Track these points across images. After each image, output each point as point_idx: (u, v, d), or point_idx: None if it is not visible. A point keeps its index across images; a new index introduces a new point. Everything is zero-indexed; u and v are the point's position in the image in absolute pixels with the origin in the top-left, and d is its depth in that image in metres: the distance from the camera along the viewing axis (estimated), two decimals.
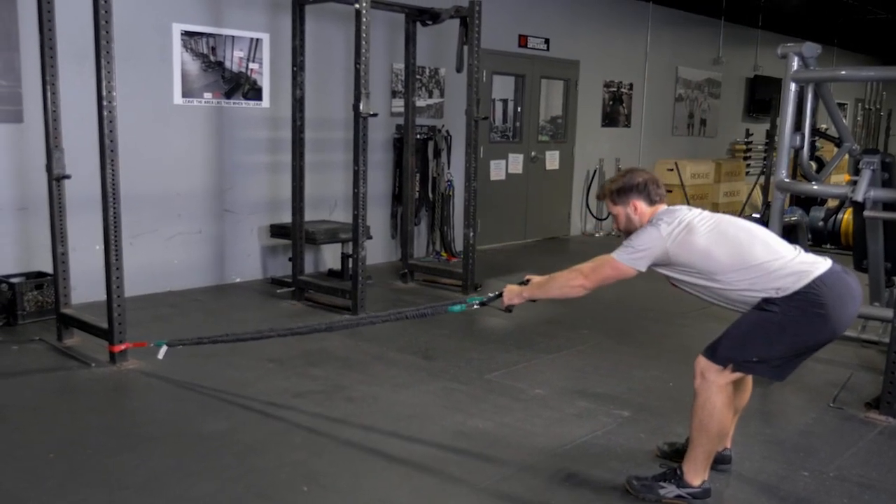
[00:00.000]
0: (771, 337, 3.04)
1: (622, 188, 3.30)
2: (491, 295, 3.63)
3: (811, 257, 3.11)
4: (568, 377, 4.75)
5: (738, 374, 3.14)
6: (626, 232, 3.32)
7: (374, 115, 5.83)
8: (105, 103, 4.47)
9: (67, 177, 4.92)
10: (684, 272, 3.16)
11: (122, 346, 4.66)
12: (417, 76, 7.74)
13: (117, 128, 4.54)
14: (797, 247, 3.17)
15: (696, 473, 3.17)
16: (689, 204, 10.54)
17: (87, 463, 3.44)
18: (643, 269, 3.19)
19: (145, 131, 6.21)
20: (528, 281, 3.52)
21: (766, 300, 3.04)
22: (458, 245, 8.14)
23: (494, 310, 3.68)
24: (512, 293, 3.48)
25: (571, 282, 3.30)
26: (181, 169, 6.53)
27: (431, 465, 3.51)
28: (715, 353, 3.11)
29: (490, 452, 3.63)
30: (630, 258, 3.17)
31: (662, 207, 3.29)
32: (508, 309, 3.54)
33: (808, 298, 2.97)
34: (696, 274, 3.13)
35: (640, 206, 3.27)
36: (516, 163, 9.59)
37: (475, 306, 3.67)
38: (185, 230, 6.61)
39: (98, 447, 3.59)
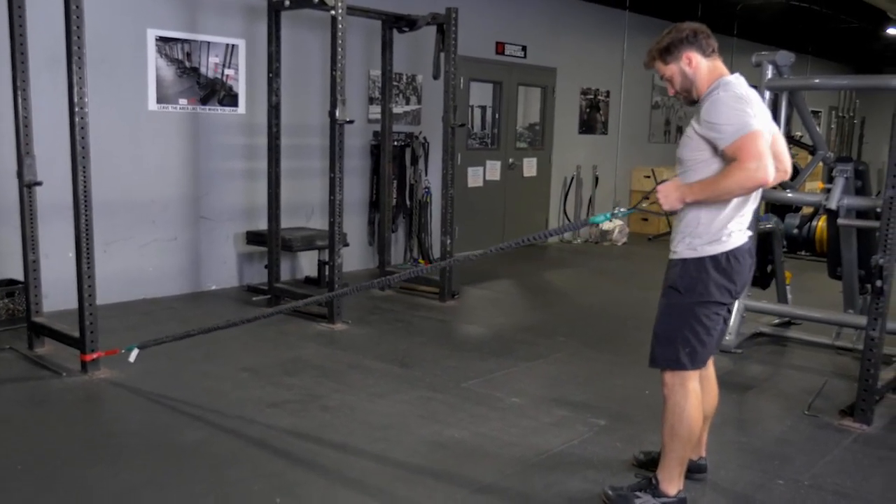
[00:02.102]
0: (686, 317, 3.06)
1: (671, 43, 3.05)
2: (644, 197, 3.21)
3: (744, 225, 3.07)
4: (545, 385, 4.75)
5: (692, 371, 3.11)
6: (685, 91, 3.08)
7: (351, 121, 5.81)
8: (77, 109, 4.41)
9: (39, 183, 4.85)
10: (697, 164, 2.97)
11: (94, 356, 4.60)
12: (394, 83, 7.73)
13: (89, 134, 4.48)
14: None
15: (671, 482, 3.17)
16: (667, 215, 10.68)
17: (57, 475, 3.38)
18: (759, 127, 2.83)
19: (120, 137, 6.15)
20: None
21: (671, 286, 3.08)
22: (436, 252, 8.13)
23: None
24: (671, 196, 2.97)
25: (754, 173, 2.75)
26: (156, 175, 6.47)
27: (407, 477, 3.48)
28: (655, 360, 3.15)
29: (466, 463, 3.61)
30: (749, 121, 2.81)
31: (724, 70, 3.04)
32: (669, 214, 3.09)
33: (718, 266, 3.00)
34: (716, 162, 2.93)
35: (695, 58, 3.02)
36: (494, 170, 9.60)
37: (620, 212, 3.35)
38: (160, 237, 6.54)
39: (69, 459, 3.54)
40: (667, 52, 3.08)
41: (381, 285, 3.75)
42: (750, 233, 3.13)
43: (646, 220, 11.19)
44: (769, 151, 2.83)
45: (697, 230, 3.02)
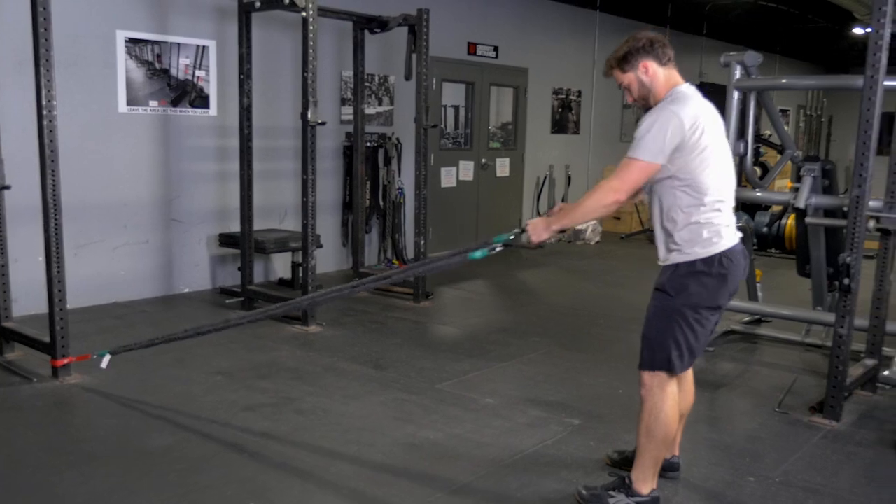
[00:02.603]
0: (678, 321, 3.07)
1: (628, 52, 3.10)
2: (516, 231, 3.31)
3: (731, 225, 3.09)
4: (519, 386, 4.76)
5: (672, 374, 3.15)
6: (641, 99, 3.13)
7: (323, 123, 5.79)
8: (45, 112, 4.36)
9: (7, 187, 4.79)
10: (671, 177, 3.00)
11: (65, 361, 4.55)
12: (367, 84, 7.72)
13: (58, 137, 4.43)
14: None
15: (644, 481, 3.19)
16: (637, 208, 10.77)
17: (28, 482, 3.34)
18: (665, 161, 2.94)
19: (90, 140, 6.09)
20: (523, 230, 3.27)
21: (661, 290, 3.09)
22: (410, 252, 8.12)
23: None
24: (538, 228, 3.16)
25: (605, 199, 3.01)
26: (127, 178, 6.41)
27: (382, 479, 3.48)
28: (645, 362, 3.16)
29: (441, 464, 3.62)
30: (652, 153, 2.93)
31: (678, 80, 3.11)
32: (539, 246, 3.27)
33: (711, 269, 3.01)
34: (684, 188, 2.99)
35: (652, 67, 3.08)
36: (467, 170, 9.61)
37: (497, 249, 3.36)
38: (131, 240, 6.48)
39: (40, 465, 3.50)
40: (624, 60, 3.13)
41: (361, 287, 3.74)
42: (740, 234, 3.15)
43: (618, 218, 11.25)
44: (638, 184, 3.00)
45: (685, 236, 3.03)
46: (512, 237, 3.31)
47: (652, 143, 2.94)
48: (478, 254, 3.39)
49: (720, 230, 3.04)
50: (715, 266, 3.02)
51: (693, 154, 2.96)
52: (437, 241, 8.67)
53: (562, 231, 3.17)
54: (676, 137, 2.93)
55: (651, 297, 3.17)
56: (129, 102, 6.34)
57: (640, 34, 3.15)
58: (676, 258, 3.07)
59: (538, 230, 3.16)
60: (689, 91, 3.08)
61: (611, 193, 3.00)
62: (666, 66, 3.11)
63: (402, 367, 5.03)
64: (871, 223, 4.46)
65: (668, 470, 3.43)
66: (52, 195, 4.44)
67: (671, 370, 3.12)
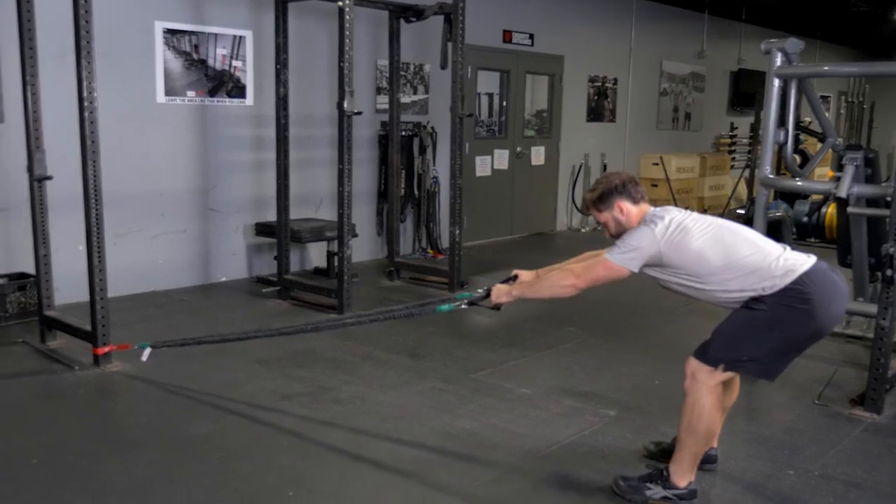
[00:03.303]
0: (760, 335, 3.05)
1: (603, 194, 3.28)
2: (480, 292, 3.58)
3: (797, 254, 3.12)
4: (554, 376, 4.76)
5: (728, 375, 3.15)
6: (618, 236, 3.29)
7: (359, 113, 5.80)
8: (86, 104, 4.42)
9: (49, 178, 4.88)
10: (674, 273, 3.16)
11: (106, 349, 4.63)
12: (402, 73, 7.72)
13: (98, 128, 4.50)
14: (784, 245, 3.19)
15: (682, 475, 3.18)
16: (674, 198, 10.67)
17: (71, 469, 3.41)
18: (636, 269, 3.15)
19: (128, 130, 6.17)
20: (515, 276, 3.53)
21: (754, 299, 3.06)
22: (445, 242, 8.13)
23: (481, 308, 3.66)
24: (500, 292, 3.45)
25: (562, 282, 3.27)
26: (165, 168, 6.49)
27: (419, 468, 3.50)
28: (706, 354, 3.12)
29: (477, 454, 3.63)
30: (623, 258, 3.14)
31: (650, 208, 3.29)
32: (497, 307, 3.50)
33: (795, 294, 2.99)
34: (686, 276, 3.14)
35: (626, 207, 3.26)
36: (502, 158, 9.58)
37: (463, 306, 3.62)
38: (169, 229, 6.57)
39: (83, 452, 3.57)
40: (600, 201, 3.30)
41: (370, 320, 3.99)
42: (814, 258, 3.11)
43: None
44: (600, 281, 3.19)
45: (753, 289, 3.04)
46: (479, 294, 3.58)
47: (625, 250, 3.13)
48: (445, 307, 3.67)
49: (774, 262, 3.04)
50: (797, 290, 2.99)
51: (683, 251, 3.08)
52: (470, 230, 8.66)
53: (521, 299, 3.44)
54: (651, 247, 3.10)
55: (736, 311, 3.15)
56: (168, 93, 6.40)
57: (612, 176, 3.34)
58: (754, 296, 3.06)
59: (500, 294, 3.44)
60: (661, 210, 3.26)
61: (571, 278, 3.23)
62: (639, 204, 3.28)
63: (438, 356, 5.05)
64: None
65: (705, 462, 3.41)
66: (93, 185, 4.51)
67: (728, 370, 3.11)
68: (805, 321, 3.02)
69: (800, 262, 3.06)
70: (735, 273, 3.06)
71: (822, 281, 3.03)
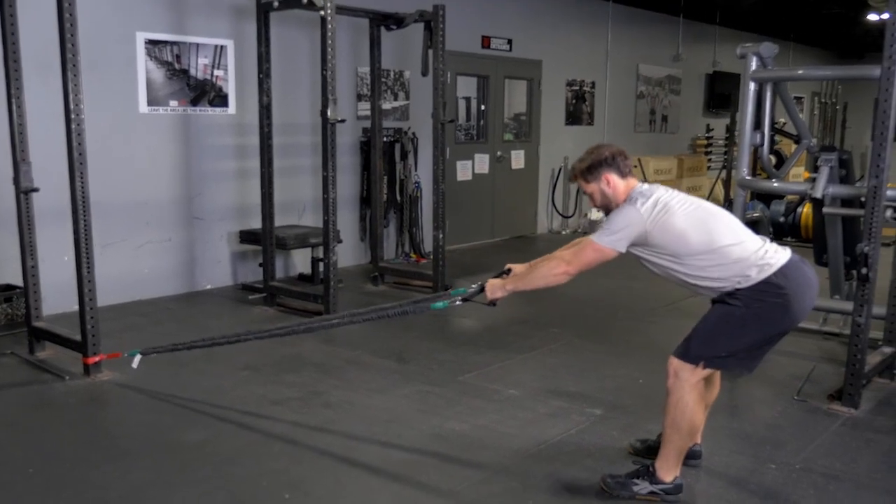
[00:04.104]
0: (736, 330, 3.15)
1: (591, 165, 3.32)
2: (473, 288, 3.56)
3: (773, 248, 3.20)
4: (540, 377, 4.84)
5: (709, 371, 3.24)
6: (604, 208, 3.36)
7: (343, 121, 5.86)
8: (73, 116, 4.46)
9: (35, 189, 4.90)
10: (656, 254, 3.21)
11: (97, 358, 4.66)
12: (382, 79, 7.78)
13: (85, 139, 4.53)
14: (763, 238, 3.27)
15: (668, 470, 3.27)
16: None
17: (66, 477, 3.45)
18: (623, 250, 3.20)
19: (112, 140, 6.19)
20: (509, 270, 3.55)
21: (729, 294, 3.15)
22: (427, 246, 8.21)
23: (465, 310, 3.71)
24: (494, 287, 3.46)
25: (554, 270, 3.29)
26: (149, 177, 6.52)
27: (410, 470, 3.57)
28: (686, 352, 3.21)
29: (467, 455, 3.70)
30: (610, 240, 3.18)
31: (636, 183, 3.32)
32: (492, 303, 3.51)
33: (769, 289, 3.08)
34: (668, 257, 3.19)
35: (613, 179, 3.29)
36: (482, 163, 9.68)
37: (458, 302, 3.62)
38: (154, 238, 6.59)
39: (77, 461, 3.60)
40: (588, 172, 3.34)
41: (373, 318, 3.97)
42: (788, 251, 3.21)
43: None
44: (590, 265, 3.25)
45: (730, 280, 3.13)
46: (473, 290, 3.55)
47: (612, 232, 3.19)
48: (440, 304, 3.67)
49: (752, 256, 3.12)
50: (773, 284, 3.08)
51: (667, 231, 3.14)
52: (452, 234, 8.73)
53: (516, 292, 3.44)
54: (637, 227, 3.15)
55: (710, 310, 3.25)
56: (150, 103, 6.43)
57: (602, 148, 3.36)
58: (728, 289, 3.15)
59: (494, 289, 3.44)
60: (649, 186, 3.31)
61: (562, 265, 3.27)
62: (626, 178, 3.32)
63: (424, 360, 5.11)
64: (888, 212, 4.50)
65: (690, 458, 3.50)
66: (80, 196, 4.54)
67: (708, 367, 3.19)
68: (779, 315, 3.12)
69: (776, 257, 3.15)
70: (716, 261, 3.13)
71: (796, 275, 3.13)
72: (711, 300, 3.28)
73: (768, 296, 3.08)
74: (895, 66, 4.03)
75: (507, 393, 4.52)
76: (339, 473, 3.53)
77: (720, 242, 3.15)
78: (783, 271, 3.10)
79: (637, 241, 3.20)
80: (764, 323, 3.13)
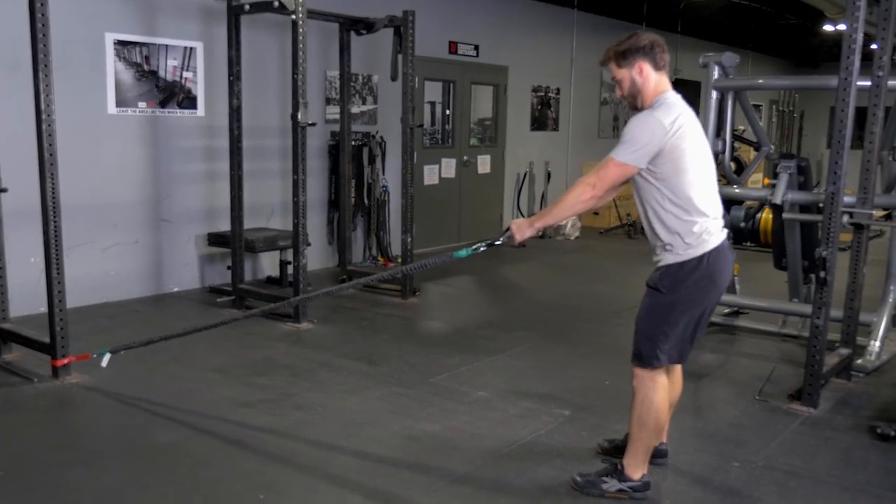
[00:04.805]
0: (668, 316, 3.22)
1: (628, 49, 3.20)
2: (497, 237, 3.44)
3: (717, 225, 3.23)
4: (509, 379, 4.91)
5: (664, 366, 3.30)
6: (630, 97, 3.26)
7: (313, 124, 5.89)
8: (44, 116, 4.44)
9: (4, 190, 4.86)
10: (651, 172, 3.13)
11: (66, 360, 4.63)
12: (351, 83, 7.82)
13: (56, 141, 4.51)
14: (716, 214, 3.25)
15: (635, 467, 3.36)
16: (616, 204, 10.94)
17: (39, 479, 3.44)
18: (644, 165, 3.10)
19: (79, 141, 6.14)
20: (508, 229, 3.38)
21: (654, 287, 3.23)
22: (395, 250, 8.25)
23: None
24: (522, 227, 3.32)
25: (582, 196, 3.17)
26: (116, 179, 6.48)
27: (385, 470, 3.61)
28: (638, 355, 3.30)
29: (439, 456, 3.76)
30: (634, 157, 3.09)
31: (668, 87, 3.22)
32: (521, 245, 3.39)
33: (700, 268, 3.16)
34: (655, 182, 3.14)
35: (646, 69, 3.19)
36: (449, 167, 9.75)
37: (482, 249, 3.52)
38: (121, 240, 6.56)
39: (49, 463, 3.59)
40: (622, 56, 3.23)
41: (351, 287, 3.89)
42: (726, 231, 3.31)
43: (597, 213, 11.43)
44: (614, 182, 3.16)
45: (675, 239, 3.18)
46: (497, 236, 3.43)
47: (632, 146, 3.09)
48: (462, 253, 3.55)
49: (708, 230, 3.18)
50: (703, 265, 3.17)
51: (673, 159, 3.09)
52: (419, 238, 8.77)
53: (542, 231, 3.34)
54: (656, 143, 3.07)
55: (644, 295, 3.32)
56: (118, 104, 6.40)
57: (642, 34, 3.25)
58: (668, 259, 3.22)
59: (522, 229, 3.32)
60: (675, 99, 3.21)
61: (588, 189, 3.16)
62: (659, 72, 3.22)
63: (395, 362, 5.16)
64: (845, 218, 4.65)
65: (657, 456, 3.59)
66: (51, 198, 4.51)
67: (659, 363, 3.27)
68: (708, 291, 3.21)
69: (714, 235, 3.20)
70: (683, 215, 3.13)
71: (722, 257, 3.22)
72: (646, 283, 3.32)
73: (700, 275, 3.16)
74: (851, 77, 4.17)
75: (477, 395, 4.58)
76: (312, 474, 3.57)
77: (695, 202, 3.14)
78: (714, 254, 3.17)
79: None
80: (692, 301, 3.20)
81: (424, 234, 9.12)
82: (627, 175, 3.15)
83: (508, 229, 3.36)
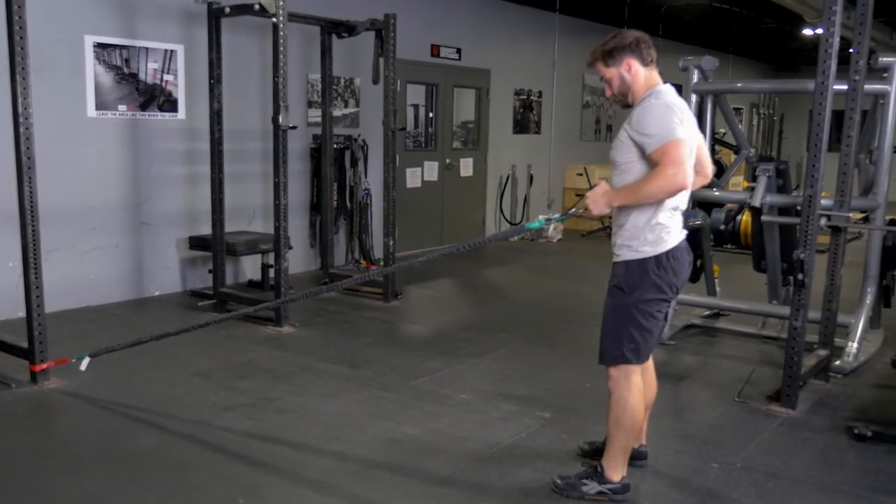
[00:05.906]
0: (632, 315, 3.26)
1: (614, 48, 3.22)
2: (574, 208, 3.43)
3: (678, 224, 3.28)
4: (490, 381, 4.92)
5: (636, 365, 3.32)
6: (621, 94, 3.28)
7: (294, 127, 5.89)
8: (22, 120, 4.41)
9: None
10: (630, 165, 3.18)
11: (44, 365, 4.60)
12: (333, 86, 7.81)
13: (34, 144, 4.48)
14: (683, 207, 3.30)
15: (615, 469, 3.37)
16: None
17: (20, 485, 3.41)
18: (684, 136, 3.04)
19: (59, 145, 6.11)
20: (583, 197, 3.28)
21: (616, 286, 3.27)
22: (377, 253, 8.24)
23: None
24: (598, 201, 3.14)
25: (670, 188, 3.02)
26: (96, 182, 6.45)
27: (366, 474, 3.61)
28: (605, 357, 3.34)
29: (421, 458, 3.76)
30: (676, 132, 3.02)
31: (658, 81, 3.24)
32: (599, 217, 3.35)
33: (660, 266, 3.20)
34: (645, 168, 3.13)
35: (634, 66, 3.21)
36: (431, 170, 9.75)
37: (555, 219, 3.57)
38: (101, 244, 6.52)
39: (29, 470, 3.57)
40: (609, 55, 3.26)
41: (332, 289, 3.89)
42: (685, 231, 3.35)
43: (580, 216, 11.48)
44: (690, 159, 3.06)
45: (636, 233, 3.22)
46: (572, 210, 3.45)
47: (670, 124, 3.04)
48: (535, 224, 3.60)
49: (670, 231, 3.24)
50: (663, 263, 3.22)
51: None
52: (402, 241, 8.78)
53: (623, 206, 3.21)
54: (676, 116, 3.08)
55: (606, 294, 3.35)
56: (98, 107, 6.37)
57: (627, 32, 3.27)
58: (627, 255, 3.26)
59: (599, 203, 3.14)
60: (668, 90, 3.24)
61: (677, 180, 2.99)
62: (648, 67, 3.24)
63: (377, 365, 5.16)
64: (823, 221, 4.69)
65: (636, 458, 3.61)
66: (29, 201, 4.48)
67: (626, 362, 3.30)
68: (660, 295, 3.24)
69: (675, 233, 3.24)
70: (653, 206, 3.16)
71: (680, 256, 3.27)
72: (609, 283, 3.35)
73: (659, 271, 3.20)
74: (828, 81, 4.22)
75: (458, 397, 4.59)
76: (293, 478, 3.56)
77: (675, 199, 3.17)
78: (673, 253, 3.22)
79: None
80: (651, 296, 3.23)
81: (407, 236, 9.13)
82: (690, 148, 3.07)
83: (584, 198, 3.22)
